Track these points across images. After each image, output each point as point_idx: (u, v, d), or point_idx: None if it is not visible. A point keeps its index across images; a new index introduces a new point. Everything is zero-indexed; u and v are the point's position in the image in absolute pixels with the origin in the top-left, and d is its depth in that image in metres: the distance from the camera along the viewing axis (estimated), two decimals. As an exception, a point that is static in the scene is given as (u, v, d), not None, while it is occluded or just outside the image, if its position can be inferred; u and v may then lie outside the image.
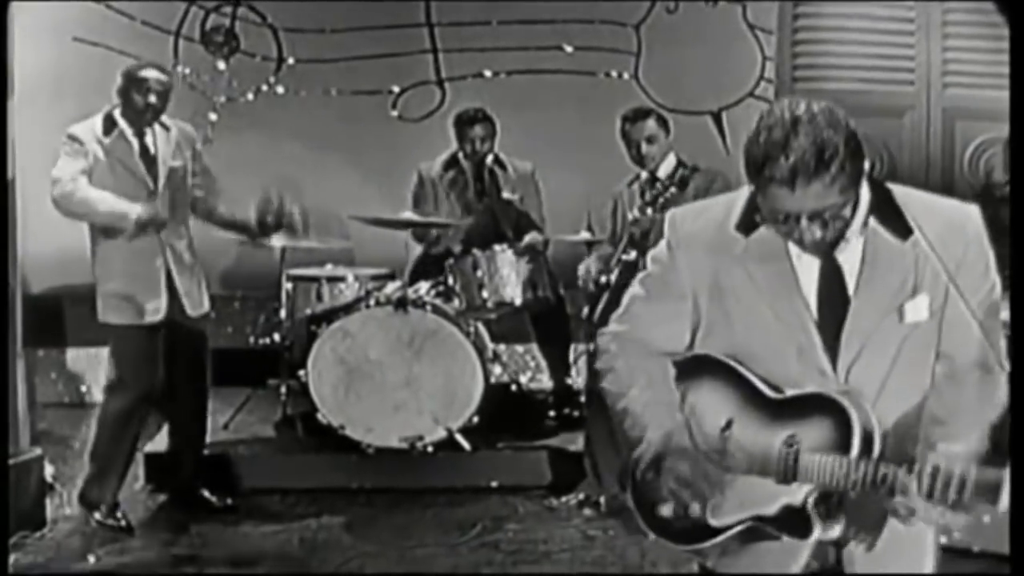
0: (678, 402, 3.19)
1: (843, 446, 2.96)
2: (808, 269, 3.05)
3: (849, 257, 3.04)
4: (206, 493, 6.79)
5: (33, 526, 6.28)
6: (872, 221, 3.02)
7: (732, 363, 3.12)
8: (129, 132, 6.42)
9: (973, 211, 3.07)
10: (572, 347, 8.02)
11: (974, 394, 3.01)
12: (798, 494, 3.01)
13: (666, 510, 3.13)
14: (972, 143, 9.24)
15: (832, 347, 3.05)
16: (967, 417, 3.01)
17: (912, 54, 9.22)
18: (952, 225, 3.01)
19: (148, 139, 6.47)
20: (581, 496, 6.83)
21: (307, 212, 6.91)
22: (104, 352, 7.08)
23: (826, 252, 3.03)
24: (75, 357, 8.77)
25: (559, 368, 8.05)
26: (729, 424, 3.11)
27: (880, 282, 3.02)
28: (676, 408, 3.18)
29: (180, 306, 6.52)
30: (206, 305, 6.71)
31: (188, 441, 6.81)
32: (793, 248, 3.04)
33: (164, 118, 6.52)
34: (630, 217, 6.74)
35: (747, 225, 3.08)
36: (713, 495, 3.10)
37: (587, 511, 6.76)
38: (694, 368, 3.19)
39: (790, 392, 3.06)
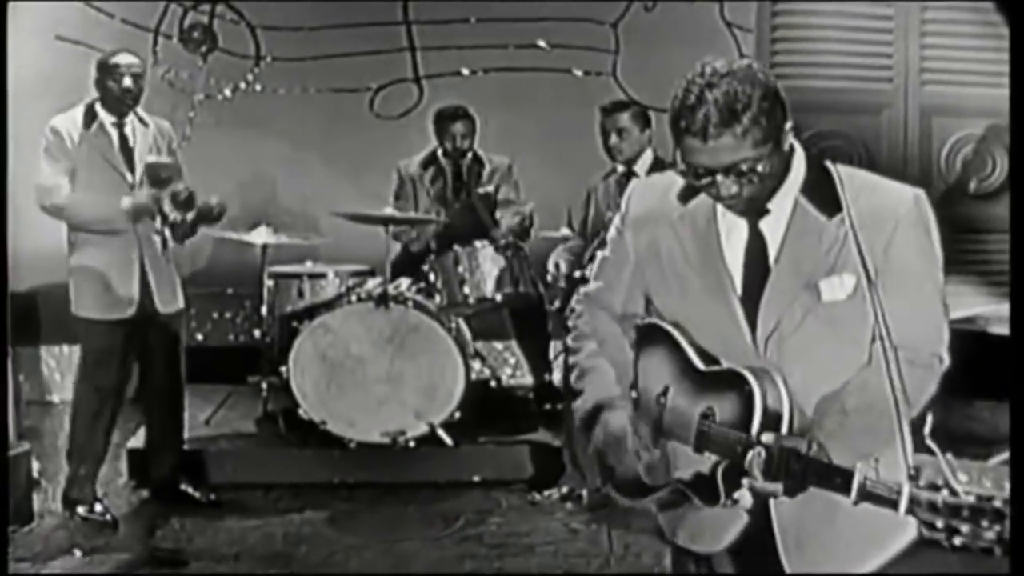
0: (629, 364, 3.26)
1: (747, 421, 2.97)
2: (736, 239, 3.10)
3: (773, 228, 3.07)
4: (188, 488, 6.80)
5: (21, 521, 6.29)
6: (801, 198, 3.04)
7: (673, 332, 3.17)
8: (109, 123, 6.45)
9: (910, 194, 3.06)
10: (551, 343, 8.05)
11: (889, 383, 2.92)
12: (707, 464, 3.05)
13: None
14: (949, 140, 9.32)
15: (752, 317, 3.07)
16: (870, 397, 2.97)
17: (890, 51, 9.29)
18: (885, 204, 3.02)
19: (127, 131, 6.50)
20: (564, 490, 6.86)
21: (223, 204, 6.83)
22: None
23: (752, 221, 3.07)
24: (55, 355, 8.80)
25: (539, 364, 8.08)
26: (665, 391, 3.17)
27: (800, 255, 3.04)
28: (625, 370, 3.26)
29: (152, 302, 6.52)
30: (180, 302, 6.70)
31: (164, 437, 6.80)
32: (721, 218, 3.10)
33: (143, 114, 6.55)
34: (607, 215, 6.73)
35: (686, 195, 3.15)
36: (639, 458, 3.18)
37: (570, 505, 6.79)
38: (647, 334, 3.25)
39: (714, 366, 3.11)
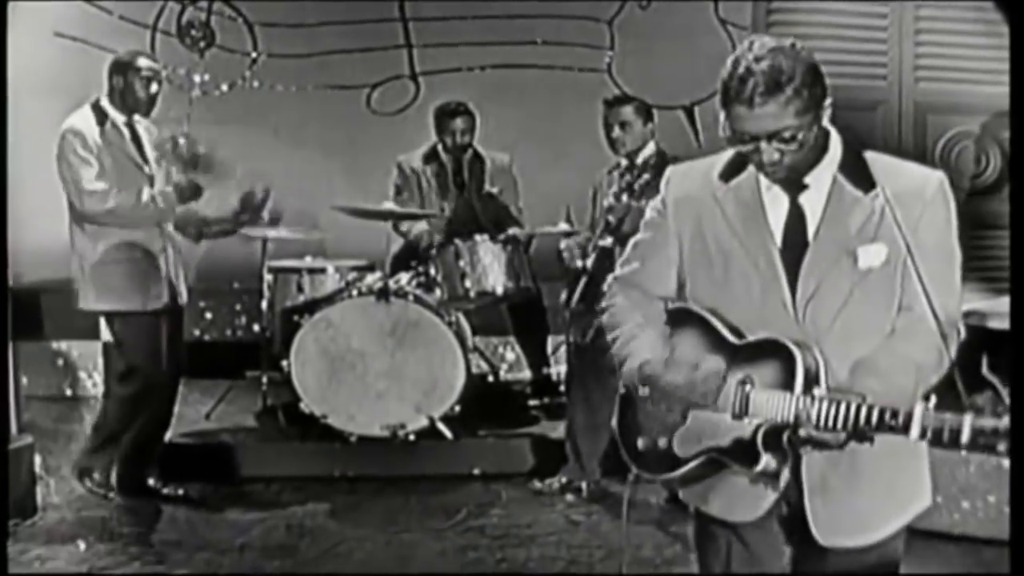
0: (665, 339, 3.46)
1: (789, 384, 3.20)
2: (776, 212, 3.34)
3: (813, 201, 3.31)
4: (156, 484, 6.81)
5: (24, 514, 6.32)
6: (839, 175, 3.29)
7: (704, 313, 3.38)
8: (120, 120, 6.50)
9: (936, 177, 3.32)
10: (549, 338, 8.11)
11: (918, 346, 3.22)
12: (748, 428, 3.25)
13: (641, 443, 3.42)
14: (943, 137, 9.40)
15: (792, 284, 3.30)
16: (899, 363, 3.22)
17: (884, 49, 9.36)
18: (912, 186, 3.27)
19: (137, 127, 6.59)
20: (564, 480, 6.91)
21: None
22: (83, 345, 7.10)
23: (792, 195, 3.31)
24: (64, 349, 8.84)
25: (537, 358, 8.14)
26: (696, 366, 3.33)
27: (839, 226, 3.28)
28: (662, 343, 3.44)
29: (173, 294, 6.60)
30: (185, 296, 6.81)
31: (155, 430, 6.82)
32: (765, 192, 3.33)
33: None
34: (605, 204, 6.75)
35: (728, 174, 3.39)
36: (676, 421, 3.37)
37: (569, 496, 6.84)
38: (676, 318, 3.47)
39: (748, 338, 3.32)
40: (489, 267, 7.34)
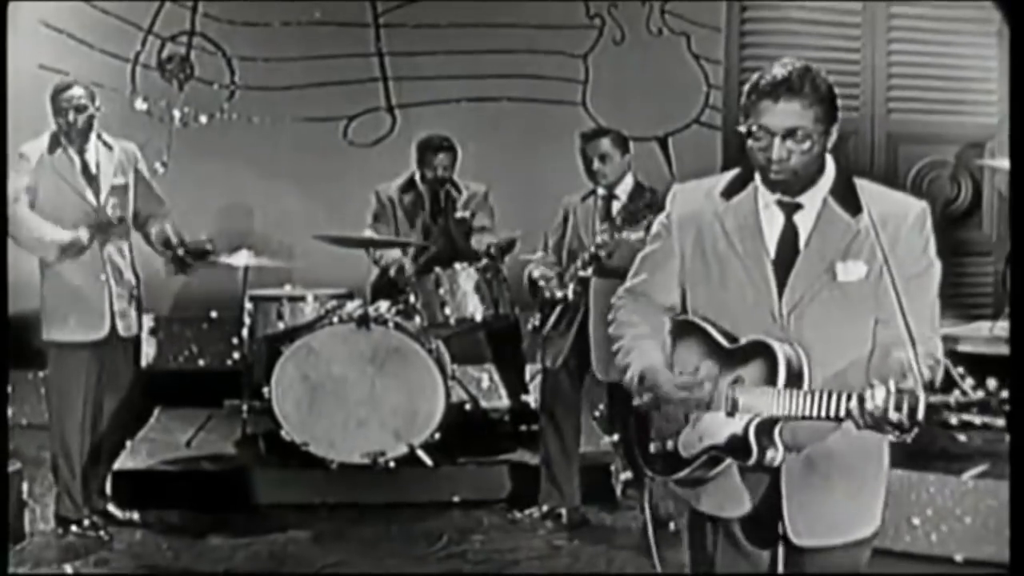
0: (667, 348, 3.74)
1: (774, 380, 3.50)
2: (772, 229, 3.63)
3: (804, 221, 3.61)
4: (110, 507, 6.83)
5: (13, 539, 6.34)
6: (830, 198, 3.59)
7: (701, 323, 3.67)
8: (72, 149, 6.57)
9: (919, 205, 3.64)
10: (528, 366, 8.17)
11: (892, 359, 3.48)
12: (740, 424, 3.54)
13: (652, 447, 3.72)
14: (915, 167, 9.55)
15: (781, 293, 3.59)
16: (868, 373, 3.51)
17: (857, 81, 9.51)
18: (895, 211, 3.58)
19: (89, 156, 6.61)
20: (544, 508, 6.96)
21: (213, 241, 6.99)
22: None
23: (788, 214, 3.61)
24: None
25: (515, 386, 8.19)
26: (695, 371, 3.64)
27: (826, 243, 3.58)
28: (661, 352, 3.72)
29: (114, 325, 6.62)
30: (135, 328, 6.77)
31: (105, 458, 6.85)
32: (762, 211, 3.63)
33: (107, 138, 6.69)
34: (598, 240, 6.74)
35: (730, 191, 3.69)
36: (680, 425, 3.65)
37: (549, 523, 6.89)
38: (678, 329, 3.75)
39: (740, 342, 3.60)
40: (469, 294, 7.39)
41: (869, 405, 3.30)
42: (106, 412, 6.74)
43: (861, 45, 9.44)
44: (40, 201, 6.48)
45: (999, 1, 7.90)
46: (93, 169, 6.60)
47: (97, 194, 6.58)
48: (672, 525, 6.33)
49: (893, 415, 3.27)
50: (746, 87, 3.55)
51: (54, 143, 6.55)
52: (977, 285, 9.47)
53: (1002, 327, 7.02)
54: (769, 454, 3.52)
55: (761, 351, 3.53)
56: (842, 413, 3.38)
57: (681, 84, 9.50)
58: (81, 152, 6.58)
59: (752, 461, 3.53)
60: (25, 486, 6.66)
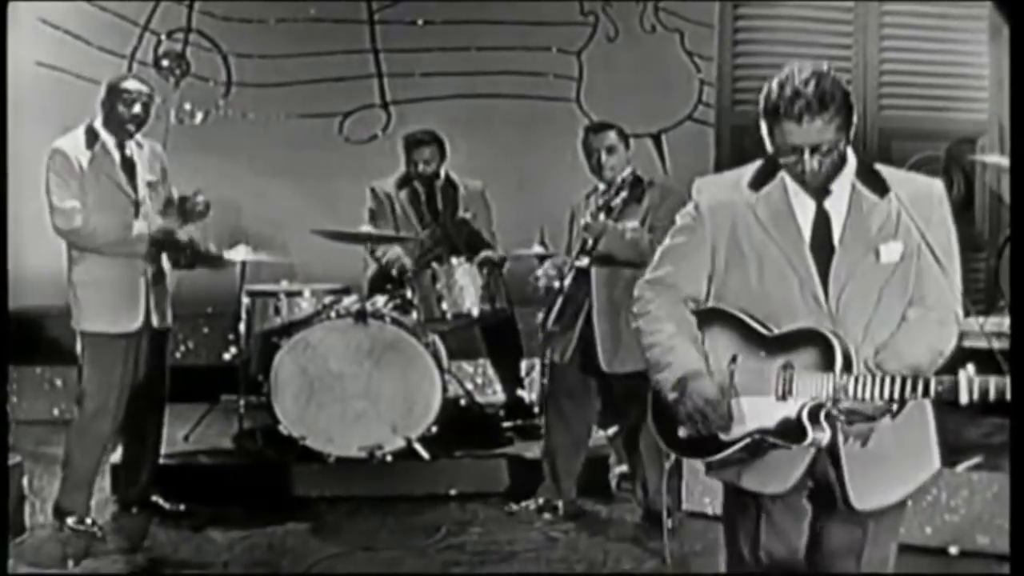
0: (700, 347, 3.84)
1: (828, 367, 3.65)
2: (804, 215, 3.76)
3: (836, 206, 3.76)
4: (159, 499, 6.90)
5: (13, 532, 6.36)
6: (857, 182, 3.76)
7: (734, 311, 3.79)
8: (111, 143, 6.59)
9: (937, 184, 3.84)
10: (522, 361, 8.21)
11: (931, 332, 3.74)
12: (793, 408, 3.68)
13: (683, 432, 3.82)
14: (907, 163, 9.58)
15: (824, 279, 3.74)
16: (918, 348, 3.71)
17: (849, 78, 9.54)
18: (920, 191, 3.78)
19: (128, 152, 6.65)
20: (540, 501, 7.01)
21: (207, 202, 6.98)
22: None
23: (818, 201, 3.74)
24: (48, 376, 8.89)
25: (510, 381, 8.23)
26: (734, 359, 3.78)
27: (862, 227, 3.73)
28: (697, 353, 3.83)
29: (150, 318, 6.67)
30: (168, 320, 6.85)
31: (144, 451, 6.91)
32: (793, 199, 3.76)
33: (138, 136, 6.70)
34: (582, 223, 6.79)
35: (757, 183, 3.83)
36: (723, 422, 3.76)
37: (546, 515, 6.94)
38: (706, 319, 3.86)
39: (783, 328, 3.73)
40: (465, 289, 7.44)
41: (940, 388, 3.50)
42: (141, 405, 6.77)
43: (853, 42, 9.49)
44: (87, 202, 6.51)
45: (999, 1, 7.96)
46: (132, 163, 6.66)
47: (136, 189, 6.64)
48: (670, 522, 6.47)
49: (965, 398, 3.47)
50: (763, 100, 3.69)
51: (91, 137, 6.58)
52: (969, 281, 9.48)
53: (994, 322, 7.07)
54: (819, 435, 3.67)
55: (813, 339, 3.67)
56: (907, 396, 3.55)
57: (674, 81, 9.56)
58: (120, 147, 6.63)
59: (806, 444, 3.67)
60: (25, 480, 6.69)
